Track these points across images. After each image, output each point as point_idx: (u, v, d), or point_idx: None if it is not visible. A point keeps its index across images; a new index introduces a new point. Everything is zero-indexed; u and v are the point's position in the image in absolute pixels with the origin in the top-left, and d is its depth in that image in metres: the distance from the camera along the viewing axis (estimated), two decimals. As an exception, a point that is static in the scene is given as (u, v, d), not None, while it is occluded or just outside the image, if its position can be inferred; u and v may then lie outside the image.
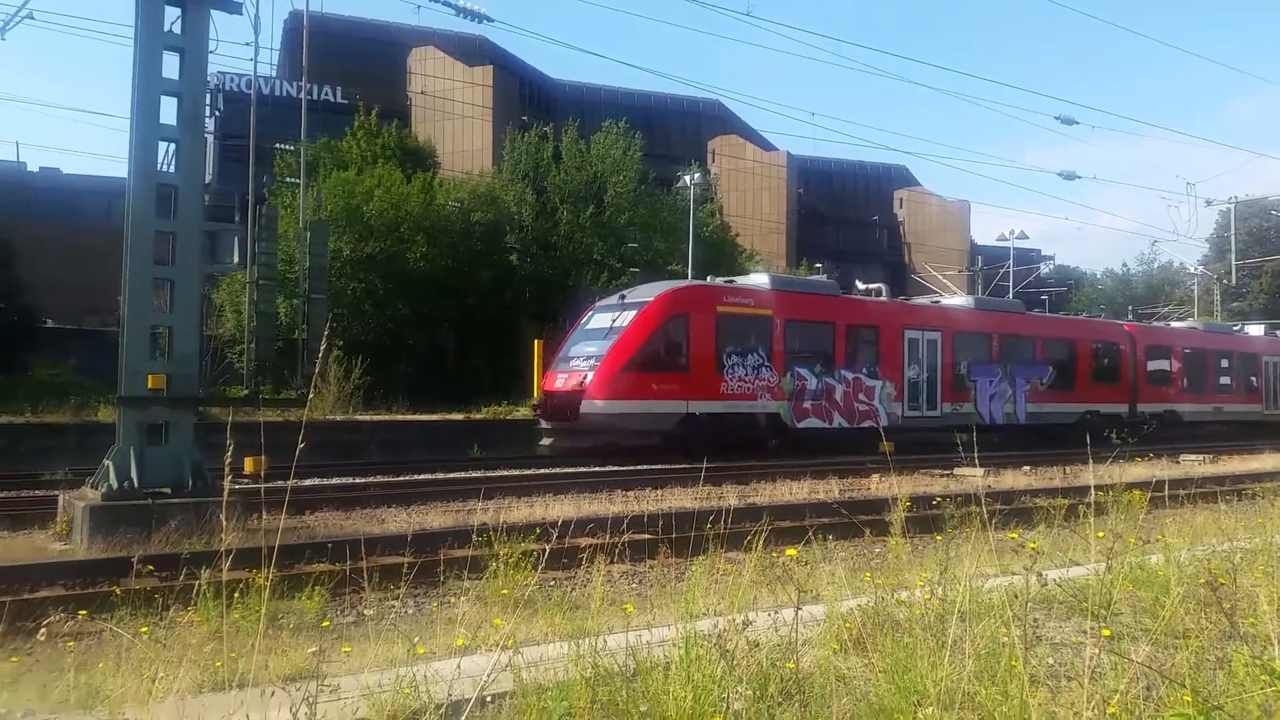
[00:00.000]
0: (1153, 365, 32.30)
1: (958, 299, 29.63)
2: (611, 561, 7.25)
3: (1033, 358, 28.48)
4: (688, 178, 40.85)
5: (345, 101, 50.75)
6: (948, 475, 18.56)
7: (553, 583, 7.87)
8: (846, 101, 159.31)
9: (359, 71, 57.54)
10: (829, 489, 15.90)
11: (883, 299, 27.29)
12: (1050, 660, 4.64)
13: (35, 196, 51.60)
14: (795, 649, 4.28)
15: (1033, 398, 28.13)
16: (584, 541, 8.93)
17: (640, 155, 43.78)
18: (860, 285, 29.17)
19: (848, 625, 4.88)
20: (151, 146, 10.99)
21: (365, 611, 7.50)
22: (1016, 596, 4.61)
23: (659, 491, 15.10)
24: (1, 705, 4.46)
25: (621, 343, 20.68)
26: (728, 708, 3.72)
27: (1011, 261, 50.67)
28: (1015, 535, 7.41)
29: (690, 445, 20.02)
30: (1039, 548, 5.13)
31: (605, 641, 4.24)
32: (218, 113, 46.39)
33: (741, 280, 24.26)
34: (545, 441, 21.02)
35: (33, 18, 12.64)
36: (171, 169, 11.45)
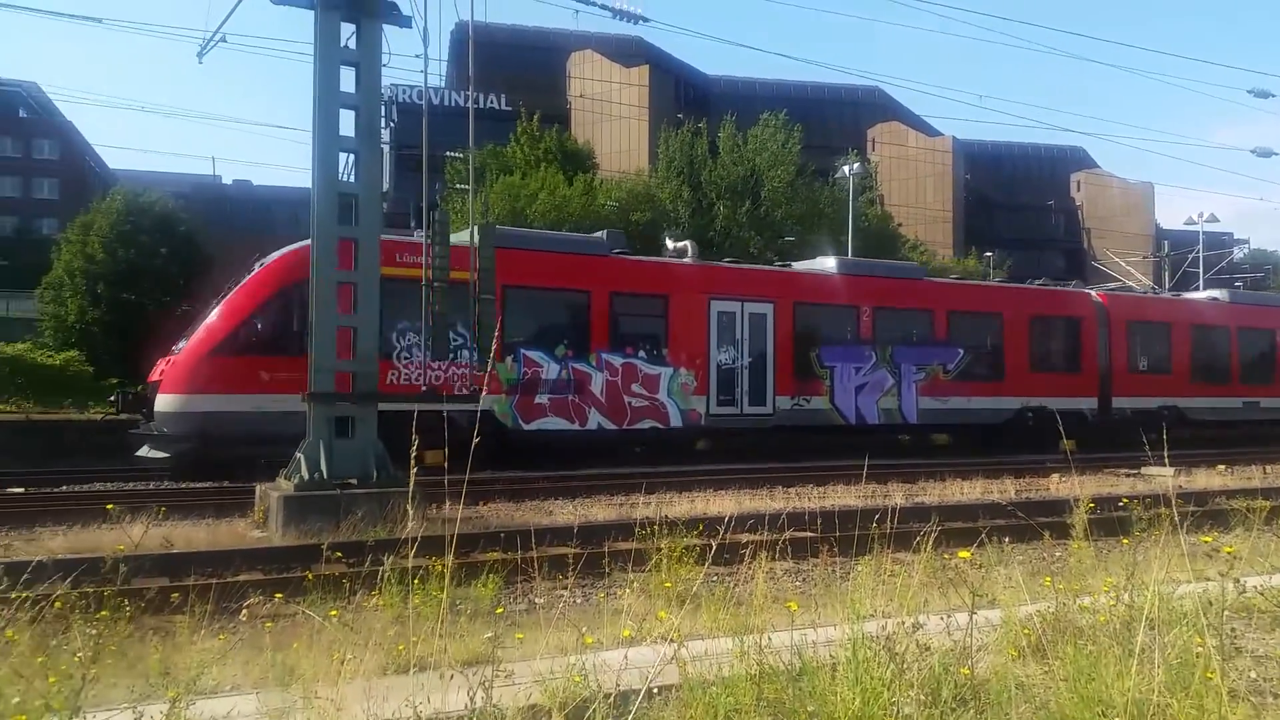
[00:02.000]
0: (1139, 347, 25.02)
1: (816, 262, 23.24)
2: (773, 559, 7.20)
3: (930, 336, 22.00)
4: (846, 168, 40.07)
5: (509, 108, 52.48)
6: (1134, 475, 17.48)
7: (715, 578, 7.90)
8: (1017, 82, 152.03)
9: (521, 78, 59.43)
10: (1003, 489, 15.26)
11: (686, 260, 20.89)
12: (1252, 674, 4.30)
13: (230, 207, 55.88)
14: (970, 654, 4.14)
15: (930, 389, 21.67)
16: (745, 537, 8.91)
17: (799, 147, 43.25)
18: (670, 245, 22.93)
19: (1026, 631, 4.69)
20: (332, 158, 11.64)
21: (536, 600, 7.74)
22: (1212, 604, 4.31)
23: (821, 489, 14.94)
24: (212, 679, 4.83)
25: (216, 318, 15.88)
26: (897, 711, 3.64)
27: (1201, 246, 47.07)
28: (1209, 539, 6.90)
29: None
30: (1236, 552, 4.75)
31: (770, 639, 4.23)
32: (392, 124, 48.89)
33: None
34: (141, 451, 15.62)
35: (225, 40, 13.60)
36: (351, 179, 12.12)
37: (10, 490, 13.97)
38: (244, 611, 7.08)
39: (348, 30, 11.69)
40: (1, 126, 64.10)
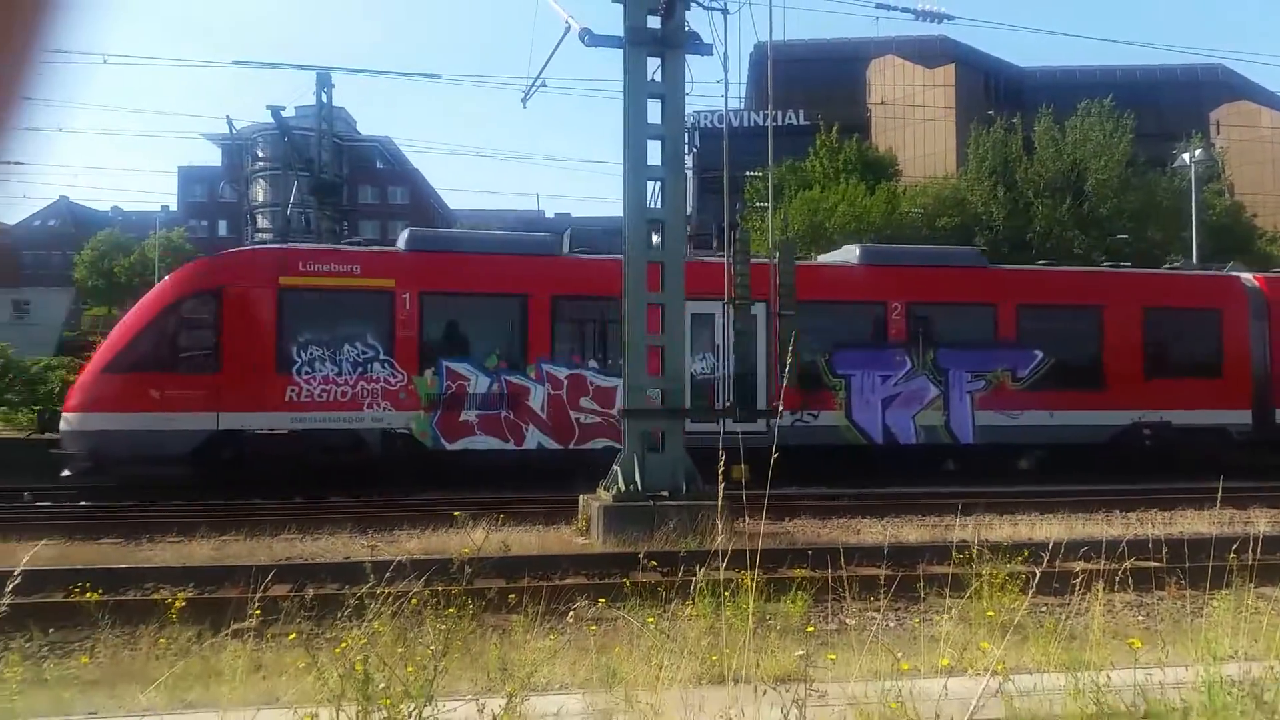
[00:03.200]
0: None
1: (841, 251, 20.10)
2: (1111, 590, 6.58)
3: (992, 336, 18.23)
4: (1186, 155, 35.92)
5: (807, 123, 52.45)
6: None
7: (1043, 608, 7.36)
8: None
9: (820, 91, 59.12)
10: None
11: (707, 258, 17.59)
12: None
13: (551, 239, 60.27)
14: (1362, 710, 3.56)
15: (993, 401, 17.96)
16: (1077, 566, 8.25)
17: (1129, 135, 39.44)
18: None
19: None
20: (641, 187, 12.24)
21: (847, 620, 7.62)
22: None
23: (1166, 513, 13.48)
24: (543, 677, 5.21)
25: (113, 334, 15.96)
26: (1267, 769, 3.21)
27: None
28: None
29: (238, 476, 15.08)
30: None
31: (1109, 677, 3.88)
32: (695, 149, 50.44)
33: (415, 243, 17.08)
34: (64, 472, 15.37)
35: (545, 85, 14.78)
36: (658, 205, 12.67)
37: None
38: (571, 614, 7.59)
39: (653, 64, 12.25)
40: (363, 176, 73.78)
